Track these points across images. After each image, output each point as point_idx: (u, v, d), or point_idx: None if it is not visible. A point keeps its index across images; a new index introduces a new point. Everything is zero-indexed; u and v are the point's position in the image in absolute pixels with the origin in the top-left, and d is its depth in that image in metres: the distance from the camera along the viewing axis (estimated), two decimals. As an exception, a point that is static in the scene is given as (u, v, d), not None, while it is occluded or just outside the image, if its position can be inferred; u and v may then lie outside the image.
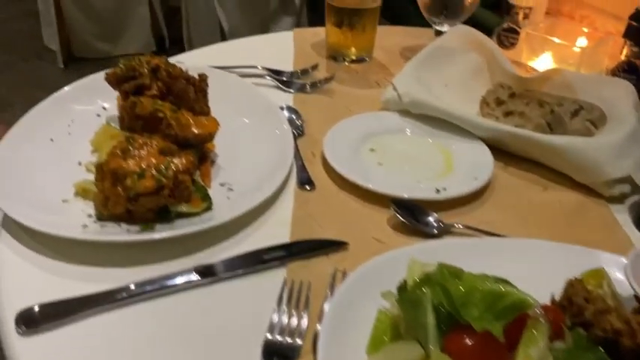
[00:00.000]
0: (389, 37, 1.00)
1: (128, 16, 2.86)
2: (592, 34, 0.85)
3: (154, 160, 0.54)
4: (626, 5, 0.80)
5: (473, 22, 0.96)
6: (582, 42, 0.85)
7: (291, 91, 0.82)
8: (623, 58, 0.80)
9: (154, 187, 0.52)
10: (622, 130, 0.64)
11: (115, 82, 0.65)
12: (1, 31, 3.17)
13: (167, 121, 0.58)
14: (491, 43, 0.79)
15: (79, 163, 0.62)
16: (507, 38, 0.92)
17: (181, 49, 2.77)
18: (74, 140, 0.65)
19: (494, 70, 0.78)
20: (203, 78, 0.71)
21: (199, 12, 2.57)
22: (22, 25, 3.11)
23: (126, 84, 0.64)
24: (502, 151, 0.68)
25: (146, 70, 0.65)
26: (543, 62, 0.82)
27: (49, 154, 0.62)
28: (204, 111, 0.71)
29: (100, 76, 0.68)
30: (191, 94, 0.67)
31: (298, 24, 2.48)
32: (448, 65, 0.79)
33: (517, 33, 0.91)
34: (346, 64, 0.91)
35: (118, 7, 2.82)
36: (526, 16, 0.90)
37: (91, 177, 0.56)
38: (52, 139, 0.65)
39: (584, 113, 0.68)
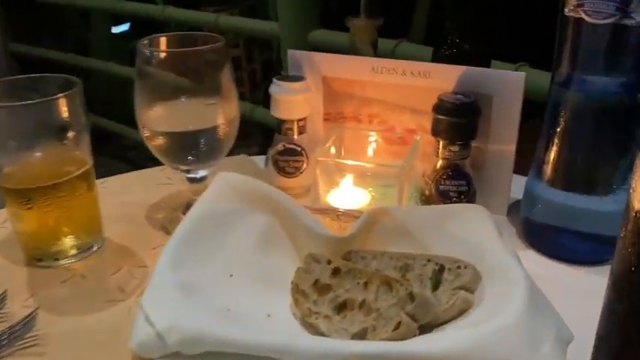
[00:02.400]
0: (121, 195, 0.68)
1: None
2: (392, 138, 0.65)
3: None
4: (423, 95, 0.61)
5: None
6: (381, 151, 0.65)
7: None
8: (440, 162, 0.60)
9: None
10: (512, 295, 0.41)
11: None
12: None
13: None
14: (277, 193, 0.52)
15: None
16: (288, 163, 0.67)
17: None
18: None
19: (296, 234, 0.51)
20: None
21: None
22: None
23: None
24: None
25: None
26: (343, 198, 0.59)
27: None
28: None
29: None
30: None
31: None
32: (225, 243, 0.49)
33: (299, 153, 0.66)
34: (63, 266, 0.56)
35: None
36: (302, 130, 0.67)
37: None
38: None
39: (450, 277, 0.45)
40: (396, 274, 0.46)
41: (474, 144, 0.61)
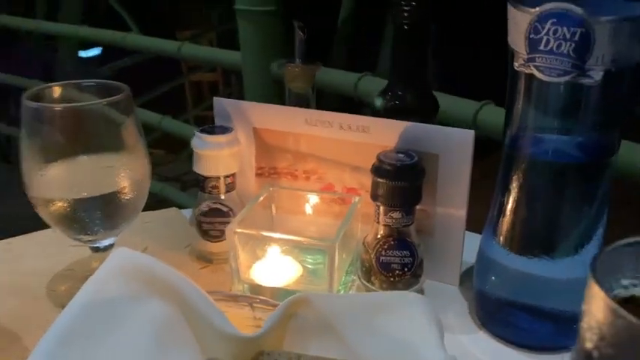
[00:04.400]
0: None
1: None
2: (330, 199, 0.57)
3: None
4: (363, 151, 0.54)
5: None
6: (319, 213, 0.57)
7: None
8: (381, 229, 0.53)
9: None
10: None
11: None
12: None
13: None
14: (180, 280, 0.43)
15: None
16: (213, 225, 0.59)
17: None
18: None
19: (199, 331, 0.42)
20: None
21: None
22: None
23: None
24: None
25: None
26: (268, 271, 0.51)
27: None
28: None
29: None
30: None
31: None
32: (114, 340, 0.41)
33: (226, 214, 0.58)
34: None
35: None
36: (230, 188, 0.59)
37: None
38: None
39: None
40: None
41: (419, 207, 0.53)
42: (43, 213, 0.50)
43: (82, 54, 3.24)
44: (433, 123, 0.53)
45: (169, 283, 0.43)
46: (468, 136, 0.51)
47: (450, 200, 0.54)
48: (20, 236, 0.66)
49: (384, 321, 0.41)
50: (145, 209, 0.55)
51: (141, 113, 1.98)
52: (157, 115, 1.93)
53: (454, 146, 0.52)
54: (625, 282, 0.27)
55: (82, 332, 0.41)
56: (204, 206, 0.59)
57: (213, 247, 0.59)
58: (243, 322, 0.43)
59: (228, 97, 0.60)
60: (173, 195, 1.96)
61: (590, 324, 0.24)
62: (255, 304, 0.44)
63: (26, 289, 0.56)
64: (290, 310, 0.42)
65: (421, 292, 0.54)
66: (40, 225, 0.55)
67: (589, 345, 0.24)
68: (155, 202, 0.68)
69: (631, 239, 0.26)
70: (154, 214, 0.70)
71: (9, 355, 0.48)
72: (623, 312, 0.21)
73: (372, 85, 1.25)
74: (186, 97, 3.52)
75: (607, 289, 0.23)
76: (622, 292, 0.27)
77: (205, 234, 0.59)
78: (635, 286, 0.27)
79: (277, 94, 1.45)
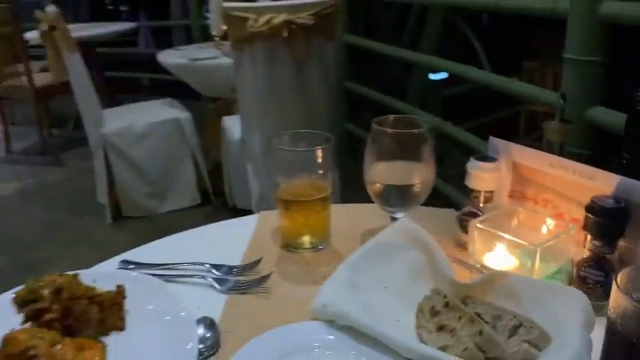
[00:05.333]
0: (349, 218, 0.97)
1: (175, 174, 3.03)
2: (556, 222, 0.77)
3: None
4: (585, 192, 0.73)
5: (436, 199, 0.92)
6: (543, 230, 0.77)
7: (224, 291, 0.78)
8: (587, 252, 0.71)
9: None
10: (564, 356, 0.54)
11: (18, 305, 0.64)
12: (63, 189, 3.46)
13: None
14: (432, 243, 0.73)
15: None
16: (469, 223, 0.85)
17: (224, 202, 2.89)
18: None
19: (434, 272, 0.71)
20: (120, 291, 0.70)
21: (237, 172, 2.67)
22: (81, 183, 3.38)
23: (26, 307, 0.63)
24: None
25: (47, 292, 0.64)
26: (495, 259, 0.75)
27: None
28: (118, 326, 0.68)
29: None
30: (93, 314, 0.65)
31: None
32: (387, 265, 0.73)
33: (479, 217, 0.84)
34: (300, 254, 0.88)
35: (165, 167, 2.99)
36: (487, 200, 0.84)
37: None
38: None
39: (523, 332, 0.59)
40: (490, 319, 0.62)
41: (623, 243, 0.69)
42: (369, 190, 0.85)
43: (432, 76, 3.75)
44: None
45: (424, 241, 0.73)
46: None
47: (651, 244, 0.68)
48: (354, 204, 1.04)
49: (552, 299, 0.61)
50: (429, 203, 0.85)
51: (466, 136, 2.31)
52: (474, 139, 2.22)
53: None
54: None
55: (370, 256, 0.74)
56: (466, 208, 0.86)
57: (466, 237, 0.86)
58: (462, 275, 0.70)
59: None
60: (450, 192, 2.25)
61: None
62: (472, 270, 0.70)
63: (349, 232, 0.93)
64: (492, 277, 0.66)
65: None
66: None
67: None
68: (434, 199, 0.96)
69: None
70: (430, 210, 1.00)
71: (338, 261, 0.85)
72: None
73: None
74: (519, 125, 3.69)
75: None
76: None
77: (462, 227, 0.86)
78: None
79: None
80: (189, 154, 2.97)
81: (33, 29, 3.48)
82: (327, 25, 2.36)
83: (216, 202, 3.02)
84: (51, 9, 2.78)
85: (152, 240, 0.94)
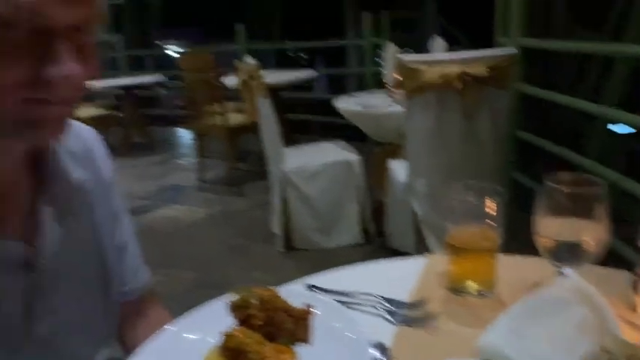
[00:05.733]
0: (516, 268, 1.00)
1: (341, 212, 3.23)
2: None
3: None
4: None
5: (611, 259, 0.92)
6: None
7: (395, 322, 0.87)
8: None
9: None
10: None
11: (232, 310, 0.80)
12: (243, 217, 3.86)
13: (247, 356, 0.68)
14: (600, 299, 0.74)
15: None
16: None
17: (383, 243, 3.01)
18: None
19: (601, 330, 0.72)
20: (309, 308, 0.82)
21: (399, 214, 2.78)
22: (259, 213, 3.75)
23: (238, 312, 0.79)
24: None
25: (255, 302, 0.78)
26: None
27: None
28: (305, 339, 0.81)
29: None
30: (288, 325, 0.78)
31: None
32: (553, 317, 0.76)
33: (657, 283, 0.83)
34: (466, 298, 0.93)
35: (334, 205, 3.21)
36: (667, 265, 0.83)
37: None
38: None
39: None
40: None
41: None
42: (538, 244, 0.88)
43: (613, 128, 3.50)
44: None
45: (592, 298, 0.75)
46: None
47: None
48: (521, 256, 1.07)
49: None
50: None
51: None
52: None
53: None
54: None
55: (532, 311, 0.77)
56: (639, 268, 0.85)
57: (637, 298, 0.85)
58: (631, 336, 0.70)
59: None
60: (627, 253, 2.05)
61: None
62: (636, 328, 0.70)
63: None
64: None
65: None
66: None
67: None
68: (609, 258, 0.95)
69: None
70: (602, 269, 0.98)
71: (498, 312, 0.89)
72: None
73: None
74: None
75: None
76: None
77: (635, 288, 0.85)
78: None
79: None
80: (355, 195, 3.15)
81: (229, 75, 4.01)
82: (501, 75, 2.39)
83: (377, 241, 3.14)
84: (250, 60, 3.20)
85: (315, 271, 1.06)
